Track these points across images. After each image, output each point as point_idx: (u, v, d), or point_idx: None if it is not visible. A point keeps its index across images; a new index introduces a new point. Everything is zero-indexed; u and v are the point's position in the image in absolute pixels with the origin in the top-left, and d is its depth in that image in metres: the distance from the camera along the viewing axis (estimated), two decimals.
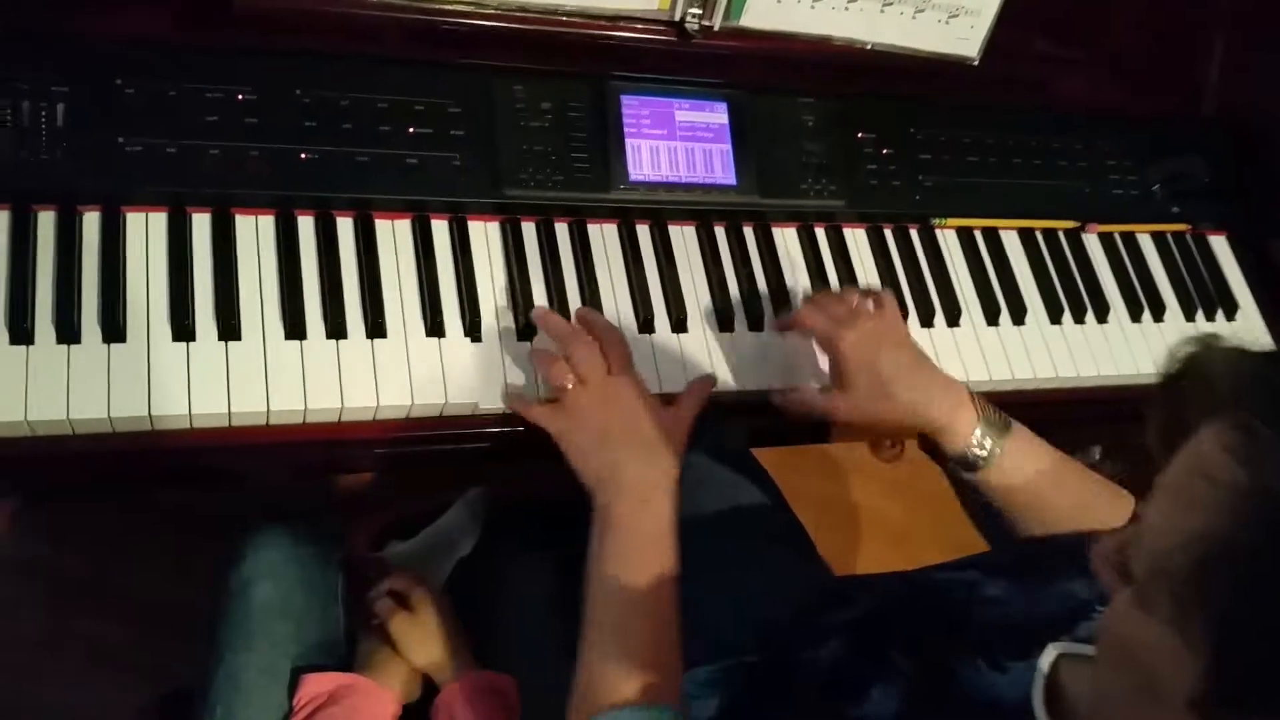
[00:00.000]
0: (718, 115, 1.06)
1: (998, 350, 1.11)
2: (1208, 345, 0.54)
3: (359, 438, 0.88)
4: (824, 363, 0.97)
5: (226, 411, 0.82)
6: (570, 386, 0.87)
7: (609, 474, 0.84)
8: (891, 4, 0.93)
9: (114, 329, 0.82)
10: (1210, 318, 1.24)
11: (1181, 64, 1.22)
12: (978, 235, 1.17)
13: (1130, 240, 1.25)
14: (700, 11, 0.89)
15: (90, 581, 1.48)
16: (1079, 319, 1.16)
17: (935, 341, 1.08)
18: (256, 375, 0.84)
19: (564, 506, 0.88)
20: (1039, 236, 1.20)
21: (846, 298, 0.96)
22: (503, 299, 0.95)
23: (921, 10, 0.95)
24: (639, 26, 0.90)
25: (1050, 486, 0.90)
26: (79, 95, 0.85)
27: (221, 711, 0.90)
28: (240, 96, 0.90)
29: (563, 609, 0.91)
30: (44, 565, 1.48)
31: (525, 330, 0.94)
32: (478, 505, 1.52)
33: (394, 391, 0.88)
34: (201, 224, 0.88)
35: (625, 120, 1.02)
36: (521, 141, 0.97)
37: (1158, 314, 1.21)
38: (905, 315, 1.07)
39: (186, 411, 0.81)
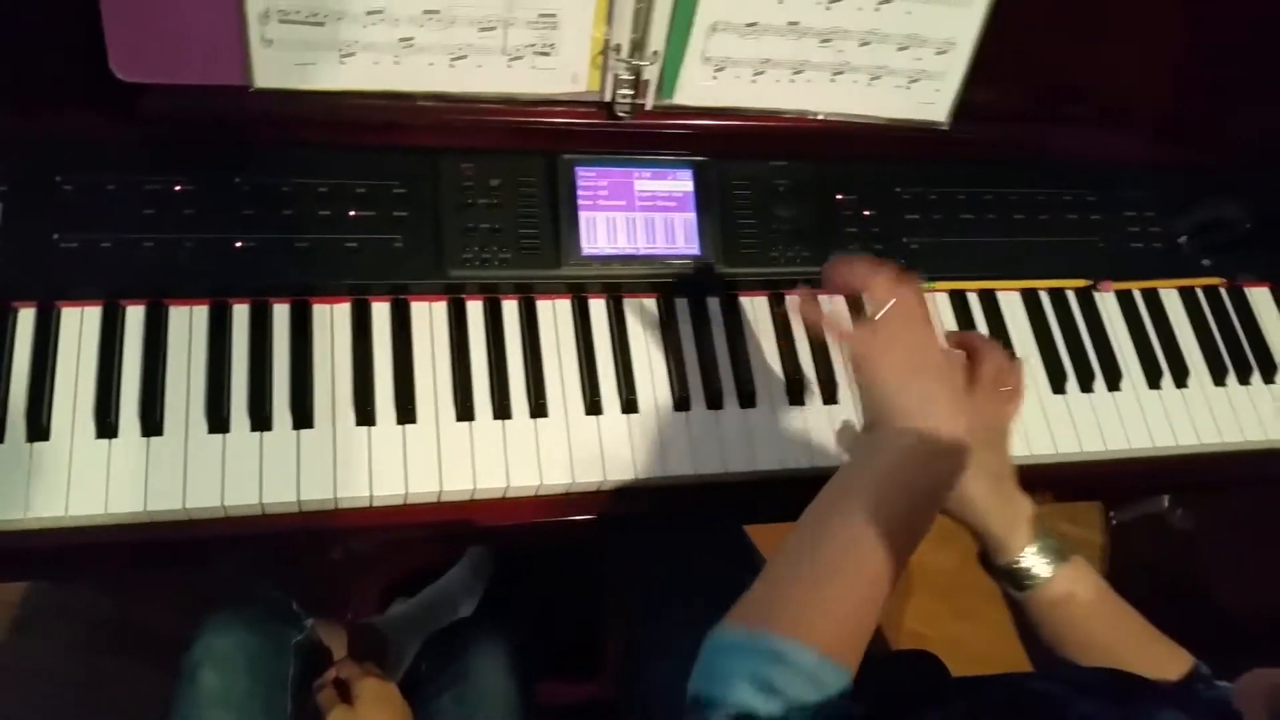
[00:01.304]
0: (682, 183, 1.02)
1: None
2: None
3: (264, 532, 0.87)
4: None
5: (140, 508, 0.82)
6: (886, 306, 0.78)
7: (917, 406, 0.75)
8: (843, 72, 0.87)
9: (37, 429, 0.83)
10: (1244, 380, 1.13)
11: (1201, 109, 1.12)
12: (971, 297, 1.09)
13: (1153, 297, 1.15)
14: (632, 92, 0.85)
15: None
16: (1086, 387, 1.08)
17: None
18: (176, 470, 0.84)
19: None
20: (1043, 297, 1.11)
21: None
22: (444, 381, 0.93)
23: (877, 77, 0.88)
24: (569, 110, 0.87)
25: (1100, 626, 0.84)
26: (18, 194, 0.87)
27: None
28: (178, 187, 0.90)
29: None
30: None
31: (462, 412, 0.91)
32: (482, 563, 1.51)
33: (317, 483, 0.86)
34: (135, 317, 0.89)
35: (579, 193, 0.99)
36: (467, 220, 0.95)
37: (1180, 378, 1.11)
38: None
39: (103, 509, 0.81)
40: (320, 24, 0.75)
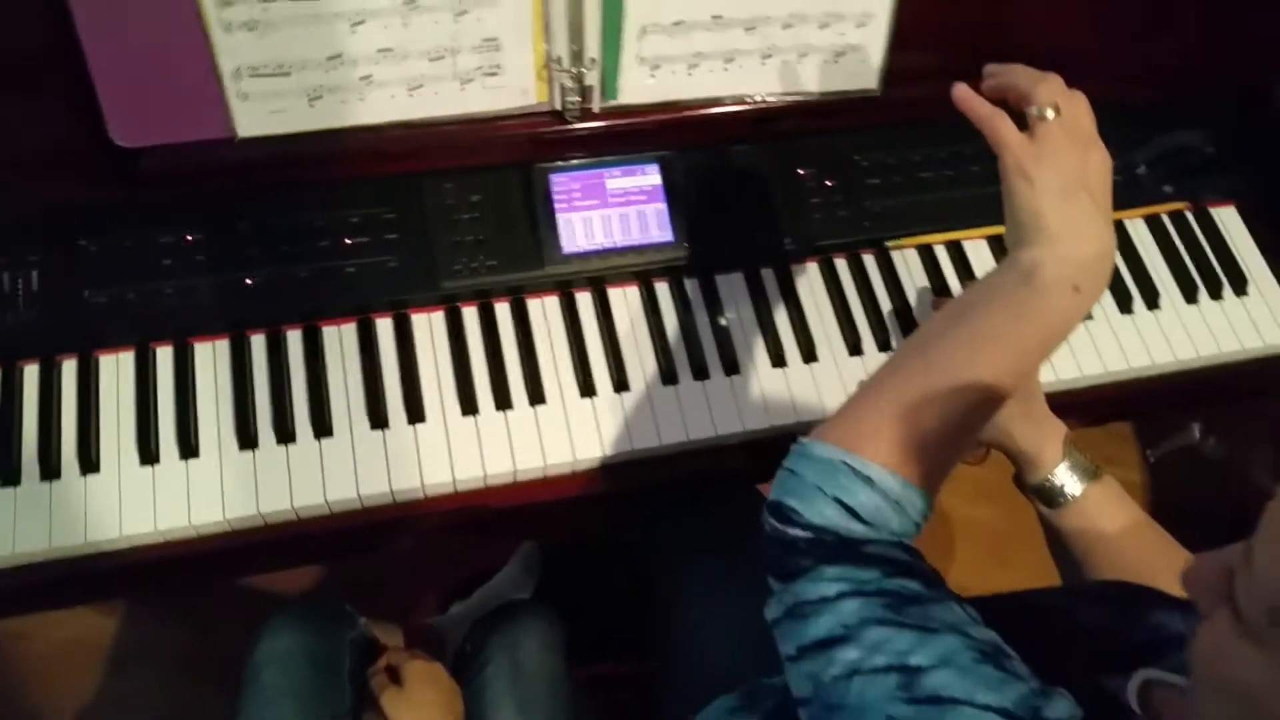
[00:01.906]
0: (650, 177, 1.09)
1: None
2: None
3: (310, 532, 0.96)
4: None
5: (185, 523, 0.92)
6: (1050, 116, 0.73)
7: (1067, 231, 0.71)
8: (771, 55, 0.94)
9: (88, 461, 0.93)
10: (1215, 296, 1.18)
11: (1141, 49, 1.16)
12: (939, 250, 1.15)
13: (1118, 227, 1.19)
14: (579, 98, 0.93)
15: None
16: None
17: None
18: (214, 486, 0.93)
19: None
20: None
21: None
22: (447, 382, 1.01)
23: (805, 55, 0.95)
24: (525, 122, 0.95)
25: (1130, 543, 0.88)
26: (49, 260, 0.97)
27: None
28: (189, 238, 1.00)
29: None
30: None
31: (466, 408, 0.99)
32: (532, 559, 1.59)
33: (341, 485, 0.95)
34: (165, 356, 0.99)
35: (555, 198, 1.07)
36: (454, 235, 1.04)
37: (1151, 301, 1.16)
38: (859, 340, 1.09)
39: (152, 527, 0.91)
40: (287, 74, 0.85)
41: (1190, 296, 1.17)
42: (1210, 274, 1.19)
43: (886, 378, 0.74)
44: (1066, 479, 0.88)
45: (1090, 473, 0.89)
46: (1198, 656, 0.54)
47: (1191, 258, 1.20)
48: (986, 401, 0.71)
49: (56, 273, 0.97)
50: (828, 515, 0.67)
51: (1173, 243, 1.20)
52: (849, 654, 0.62)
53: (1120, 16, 1.14)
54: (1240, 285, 1.19)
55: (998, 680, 0.59)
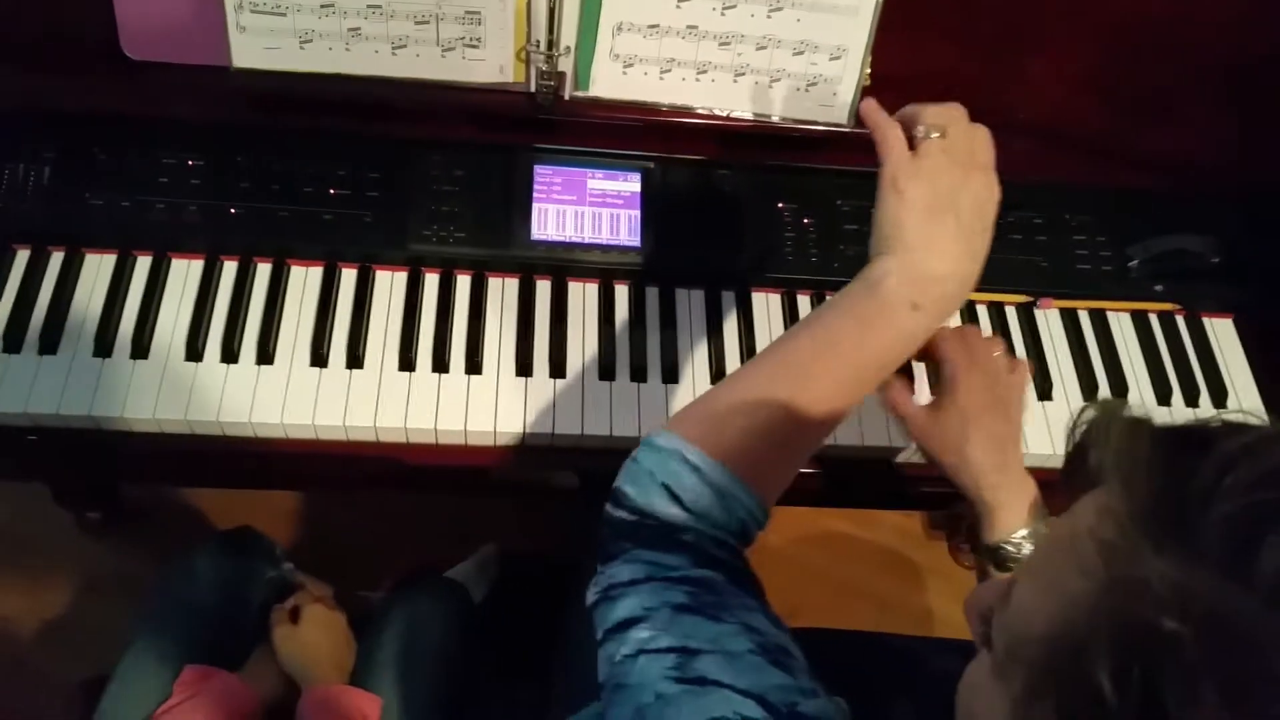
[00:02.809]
0: (630, 184, 1.13)
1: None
2: (1109, 412, 0.49)
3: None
4: None
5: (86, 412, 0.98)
6: (938, 139, 0.76)
7: (920, 254, 0.73)
8: (744, 74, 0.97)
9: (50, 343, 1.00)
10: (1191, 403, 1.15)
11: (1146, 133, 1.15)
12: None
13: (1099, 317, 1.18)
14: (552, 83, 0.98)
15: None
16: None
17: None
18: (154, 386, 1.00)
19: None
20: (980, 309, 1.16)
21: (991, 342, 0.90)
22: (393, 337, 1.06)
23: (776, 79, 0.98)
24: (498, 99, 1.00)
25: None
26: (62, 160, 1.06)
27: (115, 688, 1.03)
28: (190, 162, 1.08)
29: None
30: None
31: (403, 363, 1.04)
32: (489, 561, 1.61)
33: (269, 409, 1.00)
34: (143, 264, 1.06)
35: (535, 186, 1.11)
36: (431, 203, 1.09)
37: (1119, 394, 1.13)
38: None
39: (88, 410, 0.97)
40: (283, 14, 0.92)
41: (1163, 399, 1.15)
42: (1189, 380, 1.16)
43: (737, 375, 0.77)
44: (1022, 544, 0.84)
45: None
46: (960, 689, 0.54)
47: (1173, 361, 1.17)
48: (820, 409, 0.72)
49: (66, 172, 1.06)
50: (654, 500, 0.70)
51: (1155, 344, 1.18)
52: (641, 634, 0.64)
53: (1131, 94, 1.13)
54: (1221, 397, 1.15)
55: (765, 672, 0.61)
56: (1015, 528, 0.84)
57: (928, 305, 0.73)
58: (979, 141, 0.77)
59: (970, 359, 0.87)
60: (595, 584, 0.71)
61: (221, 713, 0.99)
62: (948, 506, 1.38)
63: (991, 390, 0.86)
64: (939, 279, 0.74)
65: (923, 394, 0.96)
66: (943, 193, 0.74)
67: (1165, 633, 0.39)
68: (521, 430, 1.03)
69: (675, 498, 0.70)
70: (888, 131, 0.77)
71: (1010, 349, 1.06)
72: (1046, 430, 1.10)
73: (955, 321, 1.11)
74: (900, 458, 1.08)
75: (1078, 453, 0.50)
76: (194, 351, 1.02)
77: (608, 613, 0.67)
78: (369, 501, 1.77)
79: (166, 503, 1.78)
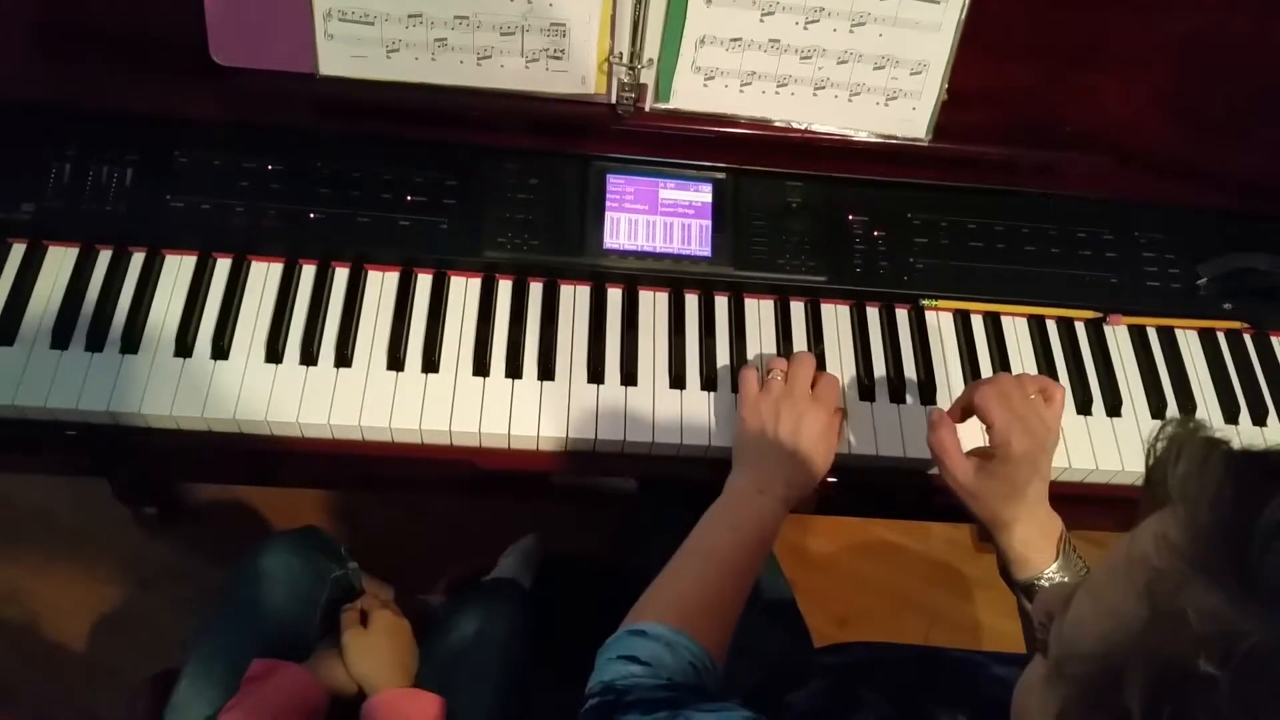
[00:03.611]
0: (702, 194, 1.14)
1: (975, 438, 1.08)
2: (1186, 431, 0.49)
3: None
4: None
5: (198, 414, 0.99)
6: (780, 380, 0.98)
7: (755, 463, 0.95)
8: (824, 88, 0.98)
9: (131, 343, 1.02)
10: (1259, 422, 1.14)
11: (1218, 152, 1.15)
12: (975, 319, 1.16)
13: (1167, 334, 1.18)
14: (634, 95, 0.98)
15: None
16: (1083, 410, 1.11)
17: (904, 419, 1.08)
18: (233, 390, 1.01)
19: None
20: (1050, 324, 1.16)
21: (1027, 382, 0.93)
22: (468, 342, 1.07)
23: (856, 93, 0.99)
24: (580, 109, 1.01)
25: None
26: (145, 163, 1.08)
27: (184, 684, 1.04)
28: (269, 167, 1.09)
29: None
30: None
31: (478, 368, 1.05)
32: (532, 551, 1.62)
33: (347, 412, 1.01)
34: (223, 266, 1.08)
35: (608, 196, 1.12)
36: (505, 211, 1.10)
37: (1187, 411, 1.13)
38: (874, 388, 1.10)
39: (169, 411, 0.99)
40: (371, 23, 0.93)
41: (1231, 417, 1.14)
42: (1257, 399, 1.15)
43: (662, 572, 0.90)
44: (1053, 578, 0.87)
45: (1078, 574, 0.88)
46: (1017, 689, 0.55)
47: (1241, 380, 1.16)
48: (726, 575, 0.89)
49: (148, 175, 1.07)
50: (615, 669, 0.80)
51: (1223, 361, 1.17)
52: None
53: (1204, 113, 1.13)
54: None
55: None
56: (1043, 567, 0.88)
57: (768, 491, 0.93)
58: (821, 384, 0.99)
59: (1017, 420, 0.89)
60: None
61: (291, 703, 1.00)
62: None
63: (1037, 456, 0.89)
64: (770, 475, 0.94)
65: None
66: (768, 420, 0.95)
67: (1200, 675, 0.39)
68: (593, 437, 1.04)
69: (632, 659, 0.80)
70: (747, 374, 1.01)
71: (1054, 376, 1.11)
72: (1115, 447, 1.10)
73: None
74: (930, 469, 1.08)
75: (1152, 471, 0.49)
76: (274, 354, 1.03)
77: None
78: (425, 504, 1.79)
79: (222, 500, 1.80)
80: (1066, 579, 0.87)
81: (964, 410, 0.96)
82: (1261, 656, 0.38)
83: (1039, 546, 0.89)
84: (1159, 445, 0.50)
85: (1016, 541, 0.89)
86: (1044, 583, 0.88)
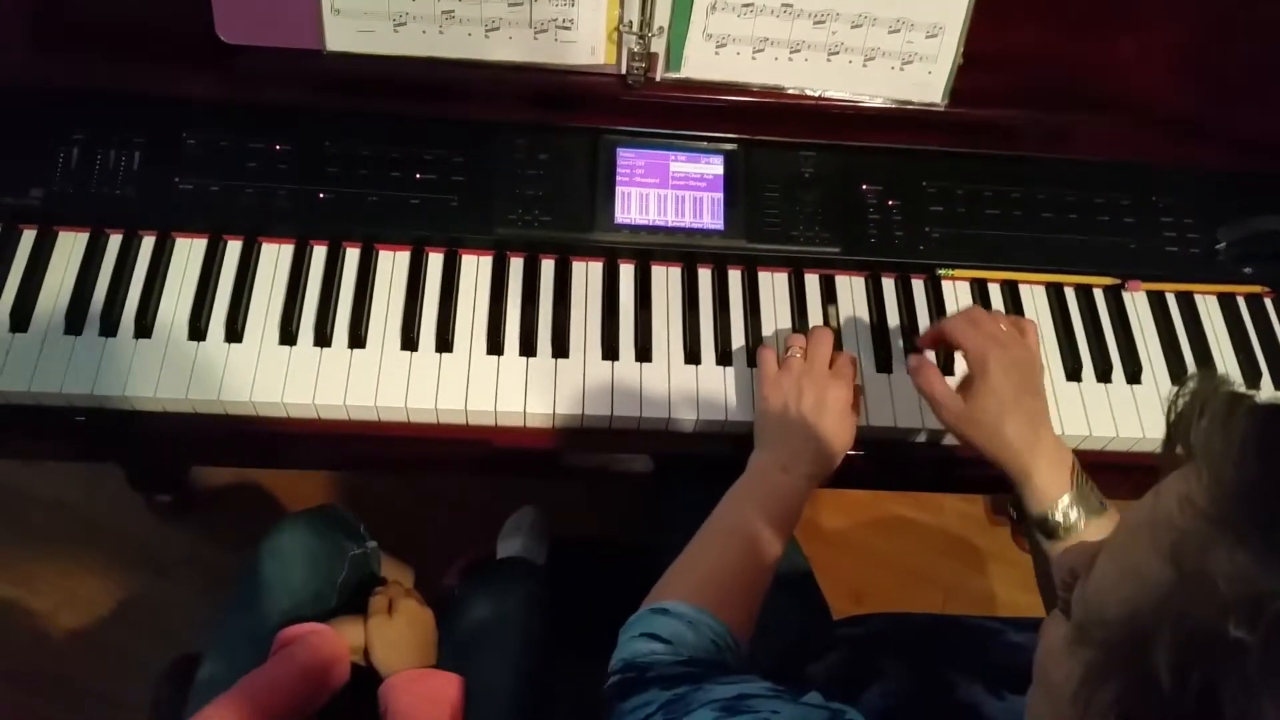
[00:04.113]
0: (713, 167, 1.13)
1: None
2: (1209, 385, 0.47)
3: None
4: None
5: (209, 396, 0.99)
6: (798, 356, 0.98)
7: (777, 441, 0.95)
8: (838, 53, 0.97)
9: (144, 328, 1.01)
10: None
11: (1237, 113, 1.14)
12: (993, 287, 1.14)
13: (1187, 299, 1.16)
14: (644, 65, 0.97)
15: None
16: (1103, 378, 1.10)
17: None
18: (249, 372, 1.00)
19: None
20: (1068, 291, 1.15)
21: (998, 317, 0.96)
22: (480, 320, 1.06)
23: (871, 58, 0.98)
24: (590, 81, 1.00)
25: None
26: (152, 146, 1.07)
27: (209, 666, 1.04)
28: (278, 147, 1.08)
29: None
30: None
31: (492, 347, 1.04)
32: (535, 525, 1.62)
33: (363, 393, 1.01)
34: (234, 248, 1.07)
35: (619, 170, 1.11)
36: (515, 187, 1.09)
37: None
38: (890, 359, 1.09)
39: (184, 394, 0.98)
40: None
41: (1252, 382, 1.13)
42: (1278, 363, 1.14)
43: (684, 552, 0.89)
44: (1069, 511, 0.86)
45: (1095, 508, 0.87)
46: (1038, 653, 0.54)
47: (1262, 344, 1.15)
48: (748, 555, 0.88)
49: (157, 158, 1.07)
50: (637, 647, 0.80)
51: (1243, 326, 1.16)
52: None
53: (1221, 74, 1.11)
54: None
55: None
56: (1057, 495, 0.87)
57: (792, 469, 0.92)
58: (839, 361, 0.98)
59: (990, 340, 0.91)
60: None
61: (316, 657, 1.00)
62: (1003, 490, 1.38)
63: (1018, 367, 0.91)
64: (794, 453, 0.93)
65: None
66: (790, 397, 0.95)
67: (1230, 640, 0.38)
68: (609, 414, 1.03)
69: (654, 637, 0.80)
70: (765, 353, 1.01)
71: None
72: (1136, 414, 1.09)
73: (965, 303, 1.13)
74: (949, 439, 1.07)
75: (1174, 428, 0.48)
76: (288, 336, 1.03)
77: None
78: (437, 485, 1.79)
79: (235, 485, 1.80)
80: (1078, 509, 0.86)
81: (934, 339, 1.02)
82: None
83: (1050, 476, 0.87)
84: (1181, 402, 0.48)
85: (1028, 468, 0.88)
86: (1059, 517, 0.86)
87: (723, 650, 0.81)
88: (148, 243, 1.06)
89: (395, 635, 1.08)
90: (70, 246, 1.05)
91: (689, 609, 0.81)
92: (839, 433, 0.94)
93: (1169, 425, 0.49)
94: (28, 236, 1.05)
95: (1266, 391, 1.13)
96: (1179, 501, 0.43)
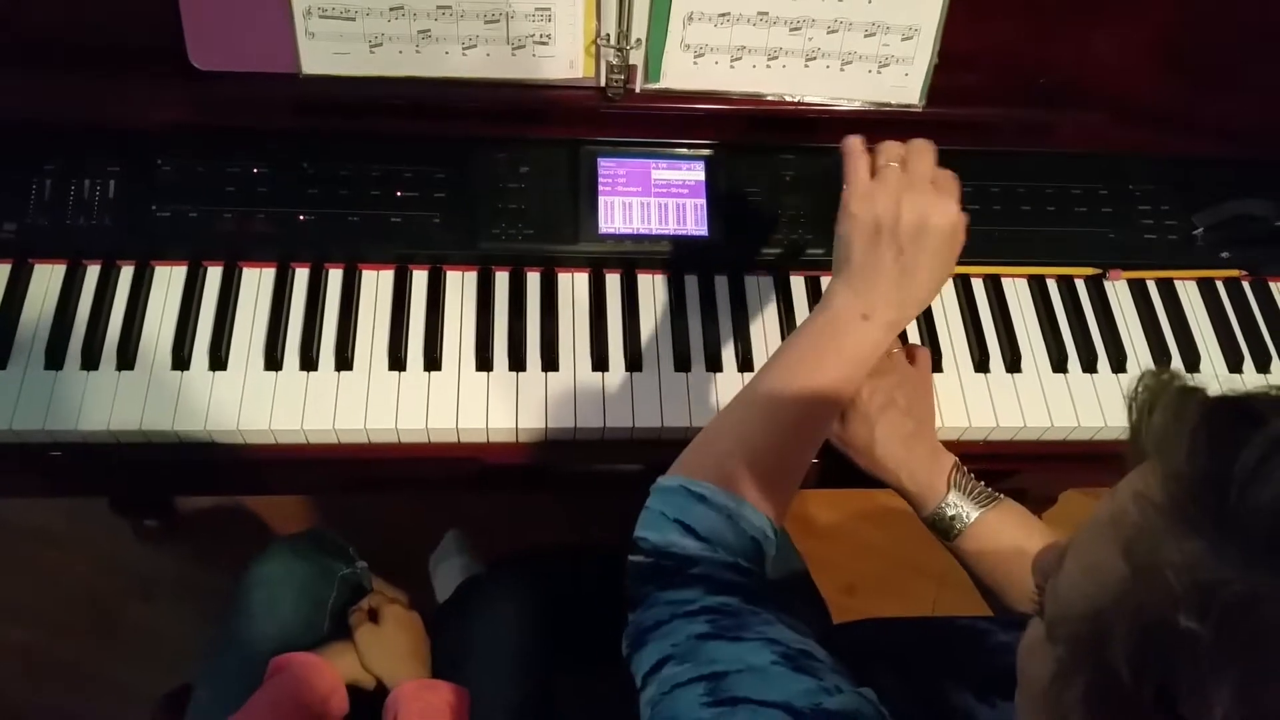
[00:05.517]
0: (695, 173, 1.13)
1: (983, 398, 1.08)
2: (1161, 382, 0.47)
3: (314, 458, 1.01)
4: None
5: (200, 427, 0.98)
6: (895, 166, 0.82)
7: (864, 271, 0.81)
8: (815, 58, 0.97)
9: (126, 359, 1.00)
10: (1263, 369, 1.14)
11: (1208, 100, 1.14)
12: (976, 282, 1.15)
13: (1167, 286, 1.18)
14: (622, 77, 0.97)
15: None
16: (1089, 368, 1.11)
17: None
18: (234, 398, 0.99)
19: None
20: (1050, 284, 1.16)
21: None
22: (468, 337, 1.05)
23: (848, 62, 0.98)
24: (569, 95, 0.99)
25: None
26: (127, 174, 1.05)
27: (203, 698, 1.03)
28: (255, 170, 1.07)
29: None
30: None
31: (481, 363, 1.03)
32: (464, 543, 1.62)
33: (352, 415, 1.00)
34: (214, 275, 1.06)
35: (601, 180, 1.11)
36: (498, 201, 1.09)
37: (1192, 364, 1.13)
38: None
39: (170, 426, 0.97)
40: (352, 19, 0.91)
41: (1235, 366, 1.14)
42: (1259, 346, 1.15)
43: (725, 411, 0.81)
44: (957, 508, 0.89)
45: (983, 499, 0.90)
46: (1020, 650, 0.54)
47: (1242, 328, 1.16)
48: (801, 426, 0.79)
49: (132, 186, 1.05)
50: (670, 536, 0.74)
51: (1223, 310, 1.17)
52: (671, 670, 0.66)
53: (1193, 60, 1.12)
54: None
55: (789, 679, 0.63)
56: (935, 500, 0.89)
57: (875, 316, 0.81)
58: (941, 176, 0.82)
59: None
60: (626, 635, 0.73)
61: (303, 688, 0.99)
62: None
63: (888, 392, 0.91)
64: (882, 293, 0.81)
65: None
66: (886, 214, 0.79)
67: (1181, 630, 0.38)
68: (601, 425, 1.03)
69: (689, 529, 0.73)
70: (857, 160, 0.83)
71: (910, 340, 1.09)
72: (1122, 402, 1.10)
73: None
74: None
75: (1134, 426, 0.48)
76: (273, 361, 1.02)
77: (641, 659, 0.70)
78: (429, 504, 1.78)
79: (222, 509, 1.78)
80: (965, 510, 0.88)
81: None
82: (1240, 605, 0.38)
83: (925, 482, 0.89)
84: (1138, 399, 0.48)
85: (902, 483, 0.90)
86: (939, 517, 0.89)
87: (761, 546, 0.76)
88: (126, 273, 1.05)
89: (388, 640, 1.08)
90: (47, 279, 1.04)
91: (729, 500, 0.74)
92: (939, 266, 0.81)
93: (1131, 425, 0.49)
94: (1, 270, 1.03)
95: (1249, 375, 1.14)
96: (1134, 497, 0.44)
